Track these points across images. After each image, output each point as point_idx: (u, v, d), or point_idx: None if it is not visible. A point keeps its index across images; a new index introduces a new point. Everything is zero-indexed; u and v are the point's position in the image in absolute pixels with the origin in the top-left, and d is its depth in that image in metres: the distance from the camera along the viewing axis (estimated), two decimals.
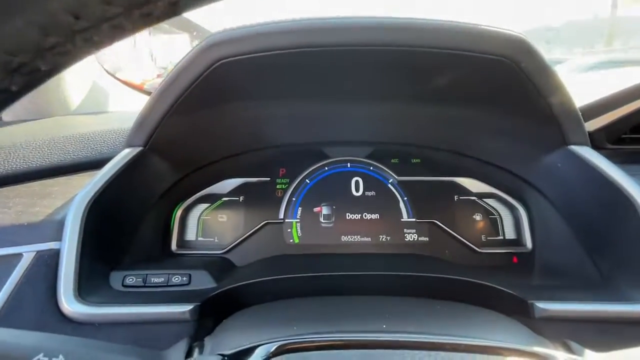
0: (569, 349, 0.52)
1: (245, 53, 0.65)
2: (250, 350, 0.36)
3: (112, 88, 1.40)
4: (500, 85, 0.74)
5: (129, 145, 0.81)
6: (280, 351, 0.36)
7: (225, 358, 0.36)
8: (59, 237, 0.70)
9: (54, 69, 0.24)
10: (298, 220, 1.04)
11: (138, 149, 0.80)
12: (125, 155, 0.79)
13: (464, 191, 1.04)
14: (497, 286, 0.71)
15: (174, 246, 1.00)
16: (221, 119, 0.89)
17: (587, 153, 0.78)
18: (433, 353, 0.35)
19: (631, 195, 0.71)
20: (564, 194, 0.87)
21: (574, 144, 0.79)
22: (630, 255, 0.71)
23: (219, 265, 0.90)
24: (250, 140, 1.03)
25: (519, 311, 0.70)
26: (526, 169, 0.94)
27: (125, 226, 0.84)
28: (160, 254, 0.97)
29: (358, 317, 0.54)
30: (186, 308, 0.67)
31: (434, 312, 0.60)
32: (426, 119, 0.95)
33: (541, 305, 0.68)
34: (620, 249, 0.74)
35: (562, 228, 0.89)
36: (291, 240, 1.02)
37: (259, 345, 0.37)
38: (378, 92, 0.84)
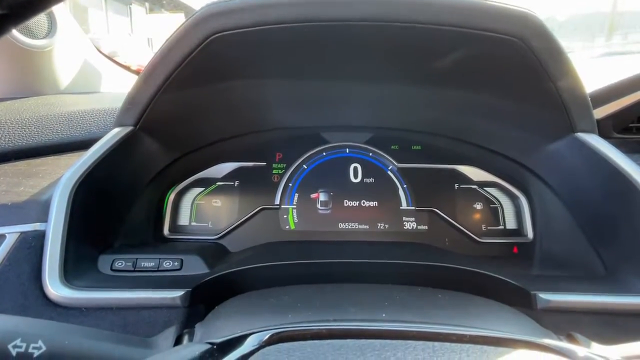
0: (576, 342, 0.50)
1: (243, 26, 0.62)
2: (241, 339, 0.34)
3: (106, 69, 1.36)
4: (508, 66, 0.71)
5: (119, 125, 0.77)
6: (273, 340, 0.34)
7: (215, 346, 0.33)
8: (44, 218, 0.67)
9: (14, 16, 0.20)
10: (294, 206, 1.01)
11: (128, 129, 0.77)
12: (115, 134, 0.75)
13: (465, 179, 1.02)
14: (499, 276, 0.69)
15: (166, 231, 0.97)
16: (216, 99, 0.86)
17: (595, 141, 0.75)
18: (437, 344, 0.33)
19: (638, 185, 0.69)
20: (568, 183, 0.84)
21: (582, 131, 0.77)
22: (636, 246, 0.69)
23: (213, 251, 0.88)
24: (246, 123, 1.00)
25: (520, 302, 0.68)
26: (530, 157, 0.91)
27: (115, 208, 0.81)
28: (152, 238, 0.94)
29: (355, 305, 0.52)
30: (177, 294, 0.65)
31: (435, 301, 0.57)
32: (429, 103, 0.92)
33: (544, 296, 0.66)
34: (626, 239, 0.72)
35: (565, 218, 0.87)
36: (287, 227, 1.00)
37: (251, 334, 0.35)
38: (381, 73, 0.81)
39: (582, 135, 0.76)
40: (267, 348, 0.32)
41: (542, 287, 0.68)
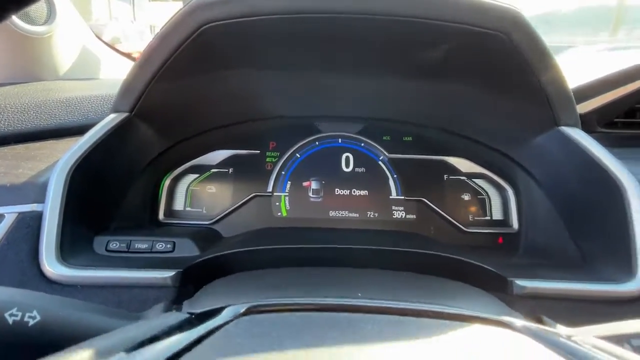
0: (542, 323, 0.53)
1: (233, 17, 0.64)
2: (220, 310, 0.37)
3: (106, 56, 1.37)
4: (492, 60, 0.73)
5: (115, 111, 0.80)
6: (249, 312, 0.36)
7: (194, 316, 0.36)
8: (41, 199, 0.69)
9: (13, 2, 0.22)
10: (287, 194, 1.03)
11: (124, 115, 0.79)
12: (110, 120, 0.78)
13: (454, 171, 1.04)
14: (478, 263, 0.72)
15: (161, 215, 1.00)
16: (210, 88, 0.88)
17: (577, 135, 0.77)
18: (402, 318, 0.36)
19: (618, 178, 0.71)
20: (552, 176, 0.87)
21: (565, 125, 0.79)
22: (611, 237, 0.72)
23: (205, 235, 0.90)
24: (241, 111, 1.02)
25: (498, 288, 0.70)
26: (516, 149, 0.93)
27: (111, 192, 0.83)
28: (147, 222, 0.97)
29: (335, 286, 0.55)
30: (168, 274, 0.68)
31: (411, 284, 0.60)
32: (419, 95, 0.94)
33: (520, 282, 0.68)
34: (602, 231, 0.74)
35: (548, 209, 0.89)
36: (279, 214, 1.02)
37: (228, 306, 0.38)
38: (371, 65, 0.83)
39: (565, 129, 0.78)
40: (242, 318, 0.35)
41: (519, 274, 0.71)
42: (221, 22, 0.64)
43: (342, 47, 0.76)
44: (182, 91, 0.84)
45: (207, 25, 0.65)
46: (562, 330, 0.45)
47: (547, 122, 0.80)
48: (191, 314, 0.37)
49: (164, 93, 0.80)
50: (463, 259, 0.72)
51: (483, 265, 0.72)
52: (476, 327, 0.34)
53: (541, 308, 0.67)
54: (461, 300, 0.56)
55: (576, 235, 0.82)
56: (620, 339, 0.47)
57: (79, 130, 0.95)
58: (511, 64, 0.70)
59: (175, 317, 0.35)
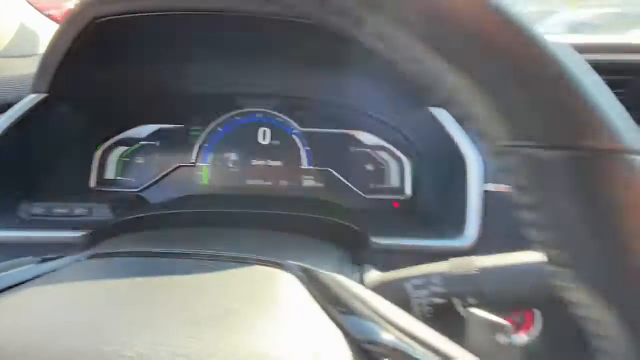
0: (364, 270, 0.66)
1: (118, 14, 0.73)
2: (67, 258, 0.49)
3: (48, 31, 1.43)
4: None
5: (34, 91, 0.88)
6: (90, 257, 0.49)
7: (42, 260, 0.48)
8: None
9: None
10: (208, 164, 1.15)
11: (42, 96, 0.88)
12: (29, 101, 0.87)
13: (359, 144, 1.16)
14: (342, 222, 0.85)
15: (93, 184, 1.12)
16: (124, 69, 0.97)
17: (439, 114, 0.89)
18: (209, 262, 0.48)
19: (463, 152, 0.84)
20: (428, 149, 1.00)
21: (432, 105, 0.91)
22: (457, 202, 0.85)
23: (129, 202, 1.03)
24: (163, 90, 1.12)
25: (361, 245, 0.84)
26: (405, 126, 1.06)
27: (36, 164, 0.94)
28: (79, 190, 1.08)
29: (201, 241, 0.67)
30: (80, 234, 0.80)
31: (272, 241, 0.73)
32: (320, 78, 1.05)
33: (375, 239, 0.82)
34: (453, 197, 0.88)
35: (430, 179, 1.03)
36: (201, 182, 1.15)
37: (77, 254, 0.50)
38: (260, 53, 0.93)
39: (431, 109, 0.90)
40: (79, 262, 0.47)
41: (380, 233, 0.84)
42: (109, 18, 0.73)
43: (228, 39, 0.86)
44: (97, 72, 0.93)
45: (99, 20, 0.74)
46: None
47: (418, 103, 0.92)
48: (42, 257, 0.49)
49: (78, 74, 0.89)
50: (327, 218, 0.85)
51: (347, 224, 0.84)
52: (252, 268, 0.47)
53: (392, 263, 0.81)
54: (303, 253, 0.68)
55: (440, 201, 0.96)
56: (405, 280, 0.61)
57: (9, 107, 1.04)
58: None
59: (29, 260, 0.48)
